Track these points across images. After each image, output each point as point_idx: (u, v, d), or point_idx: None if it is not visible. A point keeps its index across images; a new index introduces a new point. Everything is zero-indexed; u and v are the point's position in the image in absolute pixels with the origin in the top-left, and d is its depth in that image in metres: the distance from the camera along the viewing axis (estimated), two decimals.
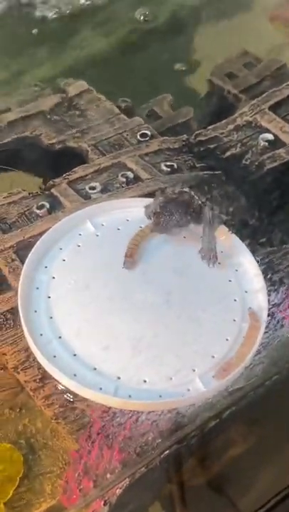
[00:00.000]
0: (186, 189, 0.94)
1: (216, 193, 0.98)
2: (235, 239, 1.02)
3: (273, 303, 0.93)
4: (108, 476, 0.83)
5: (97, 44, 1.50)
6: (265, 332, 0.88)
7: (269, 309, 0.95)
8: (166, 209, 0.94)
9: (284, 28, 1.61)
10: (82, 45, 1.51)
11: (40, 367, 0.91)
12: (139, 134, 1.20)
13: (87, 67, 1.47)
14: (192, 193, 0.93)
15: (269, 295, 0.96)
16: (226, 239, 1.03)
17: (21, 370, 0.93)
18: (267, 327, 0.89)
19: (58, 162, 1.21)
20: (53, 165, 1.21)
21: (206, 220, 0.95)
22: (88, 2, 1.53)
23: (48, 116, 1.25)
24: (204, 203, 0.94)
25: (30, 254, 0.98)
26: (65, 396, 0.90)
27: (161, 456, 0.82)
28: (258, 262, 1.00)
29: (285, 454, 1.07)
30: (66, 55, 1.51)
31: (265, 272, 0.99)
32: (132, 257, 0.97)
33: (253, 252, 1.02)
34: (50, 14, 1.55)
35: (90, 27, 1.53)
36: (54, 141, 1.21)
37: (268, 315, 0.92)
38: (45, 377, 0.91)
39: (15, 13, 1.57)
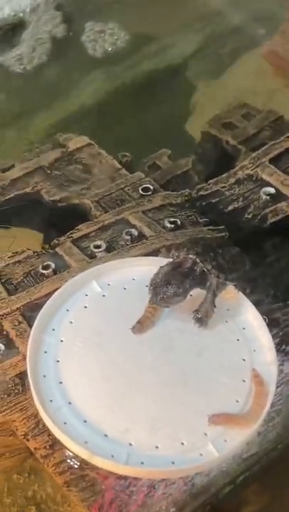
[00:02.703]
0: (191, 255, 0.93)
1: (221, 258, 0.97)
2: (241, 297, 1.03)
3: (282, 365, 0.93)
4: None
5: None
6: (279, 399, 0.87)
7: (278, 367, 0.95)
8: (162, 280, 0.93)
9: (276, 75, 1.64)
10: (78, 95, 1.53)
11: (50, 433, 0.91)
12: (140, 188, 1.21)
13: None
14: (197, 259, 0.93)
15: (277, 355, 0.95)
16: (232, 297, 1.03)
17: (31, 437, 0.91)
18: (279, 393, 0.89)
19: (60, 218, 1.22)
20: (55, 221, 1.21)
21: (211, 288, 0.94)
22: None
23: (49, 172, 1.26)
24: (210, 271, 0.93)
25: (37, 318, 0.97)
26: (76, 463, 0.89)
27: None
28: (264, 319, 1.00)
29: None
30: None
31: (271, 329, 1.00)
32: (142, 325, 0.96)
33: (258, 307, 1.02)
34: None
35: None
36: (56, 197, 1.22)
37: (278, 379, 0.91)
38: (55, 443, 0.90)
39: None
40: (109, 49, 1.61)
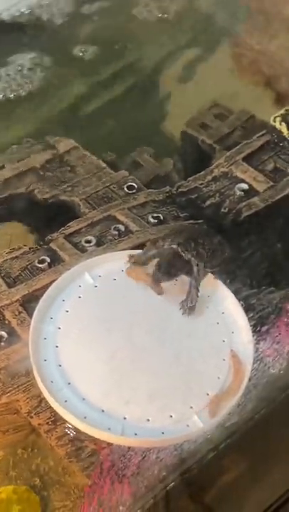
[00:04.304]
0: (174, 246, 1.04)
1: (201, 248, 1.08)
2: (220, 284, 1.14)
3: (258, 344, 1.05)
4: (120, 508, 0.93)
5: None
6: (255, 374, 0.99)
7: (254, 346, 1.06)
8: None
9: (245, 75, 1.74)
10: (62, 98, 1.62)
11: (52, 411, 1.01)
12: (125, 186, 1.31)
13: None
14: (179, 249, 1.04)
15: (253, 335, 1.07)
16: (212, 284, 1.14)
17: (34, 414, 1.02)
18: (255, 369, 1.00)
19: (51, 215, 1.31)
20: (46, 218, 1.31)
21: (193, 275, 1.05)
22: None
23: (42, 173, 1.35)
24: (190, 259, 1.04)
25: (37, 308, 1.07)
26: (76, 436, 0.99)
27: (167, 488, 0.92)
28: (241, 304, 1.11)
29: (273, 475, 1.18)
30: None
31: (248, 313, 1.11)
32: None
33: (236, 294, 1.13)
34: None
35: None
36: (47, 196, 1.31)
37: (255, 356, 1.02)
38: (56, 420, 1.01)
39: None
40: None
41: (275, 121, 1.35)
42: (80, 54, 1.73)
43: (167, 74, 1.72)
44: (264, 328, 1.08)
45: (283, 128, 1.34)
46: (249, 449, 1.08)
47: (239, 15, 1.90)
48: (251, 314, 1.11)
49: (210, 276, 1.13)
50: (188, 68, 1.74)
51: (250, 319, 1.10)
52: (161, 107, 1.63)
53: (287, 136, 1.33)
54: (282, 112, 1.37)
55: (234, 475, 1.10)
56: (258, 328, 1.09)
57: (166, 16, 1.83)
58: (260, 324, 1.10)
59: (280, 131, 1.34)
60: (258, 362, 1.04)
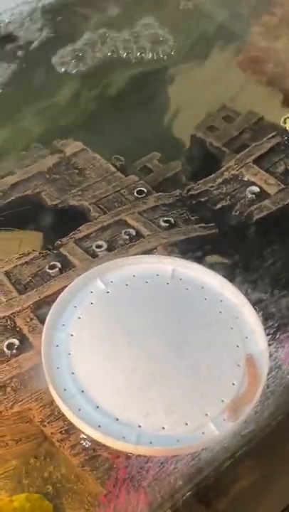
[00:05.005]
0: None
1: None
2: (232, 288, 1.12)
3: (274, 349, 1.03)
4: None
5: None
6: (272, 381, 0.98)
7: (269, 352, 1.05)
8: None
9: (249, 75, 1.73)
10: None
11: (65, 419, 1.00)
12: (135, 191, 1.30)
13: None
14: None
15: (272, 343, 1.06)
16: (224, 288, 1.13)
17: (47, 423, 1.00)
18: (271, 374, 0.99)
19: (60, 220, 1.30)
20: (55, 223, 1.30)
21: None
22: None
23: (48, 176, 1.34)
24: None
25: (48, 315, 1.06)
26: (90, 445, 0.98)
27: (184, 497, 0.91)
28: (255, 309, 1.10)
29: (284, 480, 1.17)
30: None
31: (267, 321, 1.09)
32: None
33: (250, 299, 1.12)
34: None
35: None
36: (56, 201, 1.30)
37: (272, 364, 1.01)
38: (70, 428, 1.00)
39: None
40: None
41: (285, 123, 1.34)
42: None
43: (173, 76, 1.70)
44: (283, 336, 1.07)
45: None
46: (265, 455, 1.06)
47: (244, 16, 1.89)
48: (271, 322, 1.10)
49: (223, 280, 1.12)
50: (195, 70, 1.72)
51: (269, 327, 1.09)
52: (169, 111, 1.61)
53: None
54: None
55: (248, 482, 1.09)
56: (277, 336, 1.08)
57: None
58: (279, 332, 1.09)
59: None
60: (276, 369, 1.03)
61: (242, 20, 1.91)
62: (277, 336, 1.07)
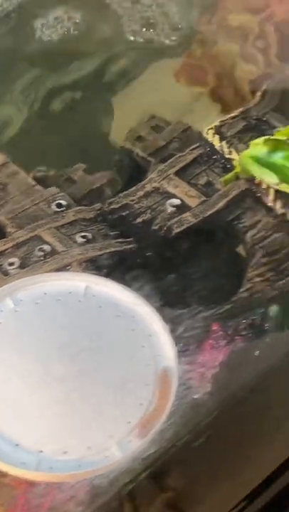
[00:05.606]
0: None
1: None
2: (145, 304, 1.10)
3: (184, 367, 1.01)
4: None
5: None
6: (175, 400, 0.95)
7: (179, 370, 1.03)
8: None
9: (187, 85, 1.71)
10: None
11: None
12: (54, 204, 1.27)
13: None
14: None
15: (179, 357, 1.03)
16: (138, 305, 1.10)
17: None
18: (179, 392, 0.97)
19: None
20: None
21: None
22: None
23: None
24: None
25: None
26: None
27: None
28: (168, 326, 1.08)
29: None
30: None
31: (174, 335, 1.07)
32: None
33: (164, 316, 1.09)
34: None
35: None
36: None
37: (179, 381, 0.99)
38: None
39: None
40: None
41: (208, 134, 1.32)
42: None
43: (107, 86, 1.68)
44: (189, 351, 1.05)
45: (216, 140, 1.30)
46: (172, 476, 1.04)
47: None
48: (184, 340, 1.08)
49: (135, 296, 1.10)
50: (129, 79, 1.70)
51: (177, 341, 1.07)
52: (99, 120, 1.59)
53: (219, 148, 1.29)
54: (216, 123, 1.34)
55: (155, 508, 1.06)
56: (188, 353, 1.06)
57: None
58: (186, 346, 1.06)
59: (213, 144, 1.30)
60: (183, 386, 1.01)
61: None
62: (189, 353, 1.05)
